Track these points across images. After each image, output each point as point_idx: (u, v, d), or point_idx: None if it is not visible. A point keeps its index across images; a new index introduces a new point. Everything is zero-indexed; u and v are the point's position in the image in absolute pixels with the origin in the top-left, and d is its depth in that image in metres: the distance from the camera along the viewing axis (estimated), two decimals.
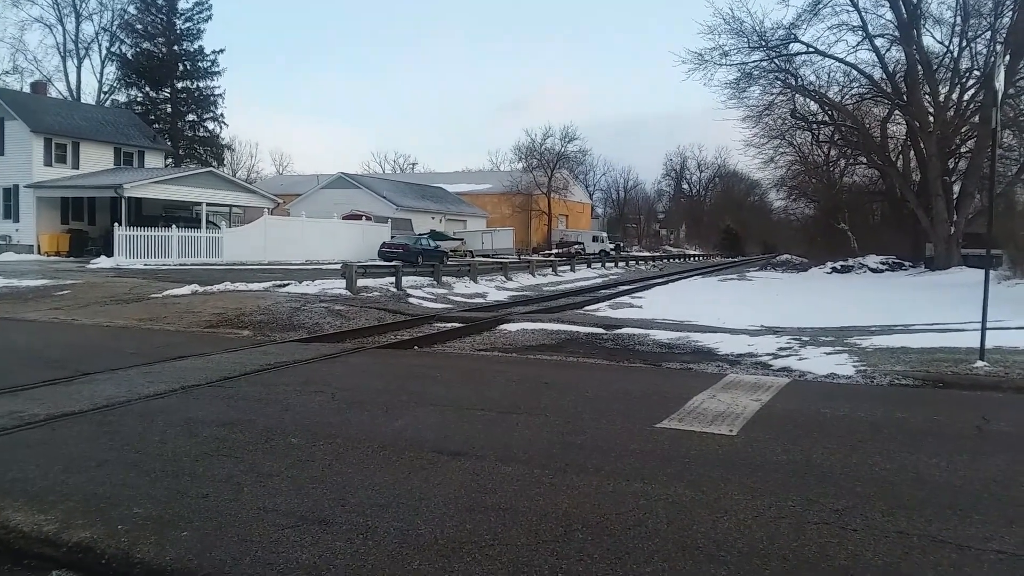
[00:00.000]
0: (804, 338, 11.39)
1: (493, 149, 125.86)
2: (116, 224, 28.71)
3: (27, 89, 44.22)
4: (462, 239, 49.51)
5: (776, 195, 64.92)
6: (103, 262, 26.07)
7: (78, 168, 34.52)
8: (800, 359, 9.60)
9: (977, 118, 32.24)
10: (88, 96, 55.90)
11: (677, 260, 70.94)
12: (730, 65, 35.32)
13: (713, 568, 3.26)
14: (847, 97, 37.70)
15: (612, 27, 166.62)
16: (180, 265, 27.59)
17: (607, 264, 45.18)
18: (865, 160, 42.77)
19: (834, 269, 37.77)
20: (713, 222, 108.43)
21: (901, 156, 40.14)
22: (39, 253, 31.71)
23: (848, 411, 6.36)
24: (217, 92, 57.31)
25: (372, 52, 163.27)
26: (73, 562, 3.36)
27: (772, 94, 38.01)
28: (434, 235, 42.79)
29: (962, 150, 35.68)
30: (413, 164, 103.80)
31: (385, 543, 3.49)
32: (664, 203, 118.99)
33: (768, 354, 10.14)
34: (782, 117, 40.31)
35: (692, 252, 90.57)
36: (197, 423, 5.68)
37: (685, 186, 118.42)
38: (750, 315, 15.88)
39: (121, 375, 7.60)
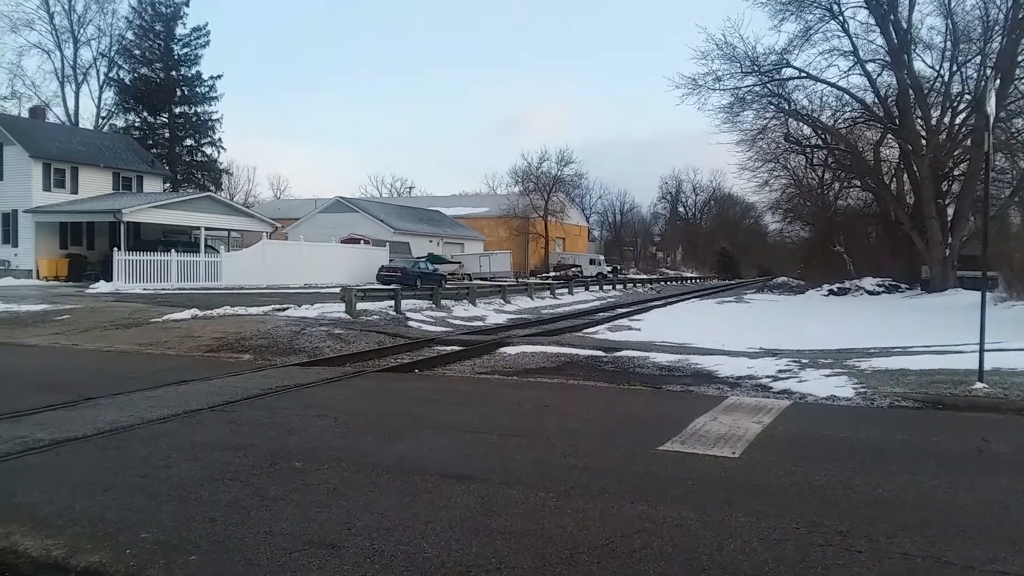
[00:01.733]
0: (803, 360, 11.43)
1: (490, 173, 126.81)
2: (115, 249, 28.76)
3: (25, 114, 44.45)
4: (460, 262, 49.59)
5: (772, 218, 65.27)
6: (102, 287, 26.08)
7: (77, 193, 34.63)
8: (800, 381, 9.63)
9: (969, 141, 32.56)
10: (86, 121, 56.21)
11: (674, 283, 71.12)
12: (723, 90, 35.66)
13: None
14: (840, 121, 38.06)
15: (608, 52, 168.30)
16: (179, 289, 27.60)
17: (605, 287, 45.24)
18: (859, 183, 43.08)
19: (831, 291, 37.85)
20: (709, 245, 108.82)
21: (895, 179, 40.43)
22: (38, 278, 31.71)
23: (849, 433, 6.40)
24: (215, 117, 57.72)
25: (369, 76, 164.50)
26: None
27: (765, 118, 38.36)
28: (432, 258, 42.88)
29: (955, 173, 35.98)
30: (410, 188, 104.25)
31: (393, 567, 3.50)
32: (660, 226, 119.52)
33: (768, 376, 10.16)
34: (776, 141, 40.63)
35: (689, 275, 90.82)
36: (201, 447, 5.69)
37: (681, 209, 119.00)
38: (749, 337, 15.93)
39: (124, 400, 7.61)
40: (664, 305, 32.87)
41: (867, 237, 48.52)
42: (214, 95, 57.26)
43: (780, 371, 10.47)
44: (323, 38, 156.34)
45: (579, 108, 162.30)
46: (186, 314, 16.69)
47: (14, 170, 33.17)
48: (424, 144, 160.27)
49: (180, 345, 12.89)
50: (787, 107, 37.33)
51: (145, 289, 26.48)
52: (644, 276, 73.05)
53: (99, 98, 57.19)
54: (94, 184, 35.64)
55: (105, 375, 9.55)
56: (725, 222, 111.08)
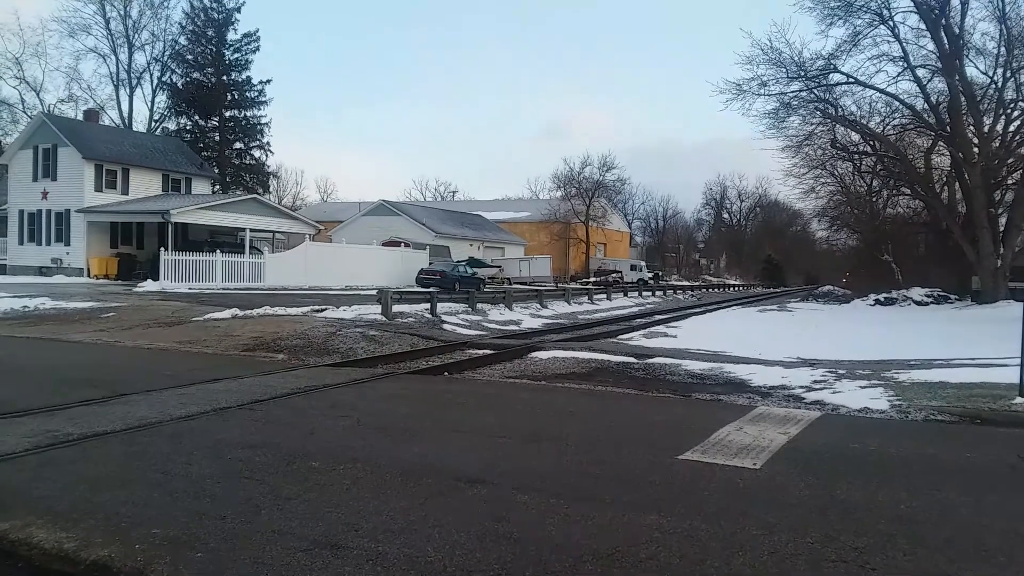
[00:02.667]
0: (840, 371, 11.18)
1: (532, 177, 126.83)
2: (163, 249, 29.48)
3: (81, 117, 45.87)
4: (499, 266, 49.71)
5: (818, 225, 63.94)
6: (149, 285, 26.75)
7: (127, 194, 35.62)
8: (834, 392, 9.41)
9: (1023, 150, 31.53)
10: (139, 124, 57.85)
11: (716, 290, 70.24)
12: (768, 95, 35.11)
13: None
14: (889, 127, 37.17)
15: (650, 55, 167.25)
16: (223, 289, 28.16)
17: (644, 293, 44.92)
18: (908, 191, 42.00)
19: (877, 301, 36.99)
20: (754, 252, 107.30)
21: (946, 187, 39.35)
22: (89, 276, 32.67)
23: (878, 446, 6.22)
24: (264, 121, 58.89)
25: (415, 81, 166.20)
26: None
27: (812, 124, 37.65)
28: (472, 262, 43.06)
29: (1008, 181, 34.87)
30: (453, 192, 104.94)
31: (393, 570, 3.50)
32: (704, 232, 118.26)
33: (802, 387, 9.96)
34: (822, 147, 39.86)
35: (732, 282, 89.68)
36: (224, 445, 5.78)
37: (725, 215, 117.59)
38: (787, 347, 15.63)
39: (156, 397, 7.77)
40: (703, 312, 32.48)
41: (916, 246, 47.32)
42: (263, 99, 58.46)
43: (815, 382, 10.25)
44: (370, 44, 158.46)
45: (623, 114, 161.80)
46: (227, 313, 17.02)
47: (68, 171, 34.26)
48: (468, 149, 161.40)
49: (218, 344, 13.14)
50: (834, 113, 36.61)
51: (190, 289, 27.08)
52: (686, 283, 72.32)
53: (152, 101, 58.87)
54: (144, 185, 36.61)
55: (142, 372, 9.78)
56: (770, 229, 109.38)
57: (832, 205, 49.89)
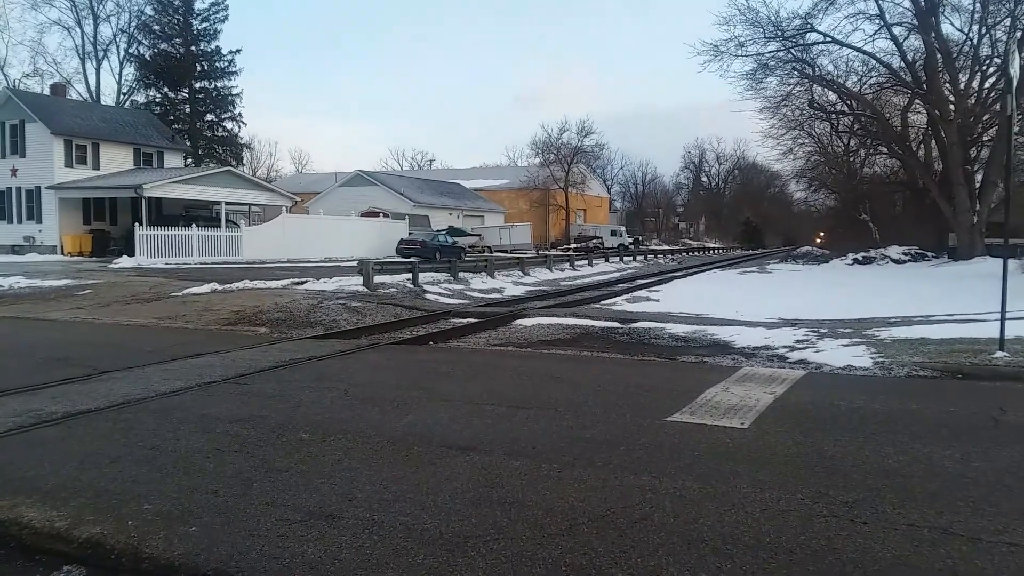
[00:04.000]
0: (822, 330, 11.28)
1: (510, 144, 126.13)
2: (137, 224, 29.03)
3: (47, 91, 44.79)
4: (480, 235, 49.54)
5: (796, 186, 64.49)
6: (125, 262, 26.37)
7: (99, 169, 34.94)
8: (817, 351, 9.51)
9: (998, 106, 31.69)
10: (108, 97, 56.62)
11: (697, 253, 70.56)
12: (746, 56, 35.03)
13: (718, 561, 3.25)
14: (866, 86, 37.29)
15: (627, 19, 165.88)
16: (201, 264, 27.85)
17: (625, 258, 44.96)
18: (886, 150, 42.30)
19: (856, 260, 37.38)
20: (733, 215, 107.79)
21: (922, 145, 39.63)
22: (62, 253, 32.15)
23: (863, 403, 6.30)
24: (235, 92, 57.82)
25: (390, 49, 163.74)
26: (83, 557, 3.40)
27: (789, 84, 37.69)
28: (452, 231, 42.87)
29: (984, 138, 35.16)
30: (430, 161, 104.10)
31: (390, 538, 3.50)
32: (683, 196, 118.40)
33: (785, 347, 10.05)
34: (800, 108, 39.97)
35: (712, 245, 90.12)
36: (211, 420, 5.74)
37: (704, 179, 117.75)
38: (769, 308, 15.76)
39: (138, 373, 7.69)
40: (685, 276, 32.63)
41: (893, 205, 47.78)
42: (233, 70, 57.34)
43: (798, 341, 10.35)
44: (342, 11, 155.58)
45: (601, 79, 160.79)
46: (206, 288, 16.83)
47: (36, 147, 33.51)
48: (445, 117, 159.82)
49: (198, 319, 13.01)
50: (811, 73, 36.61)
51: (167, 264, 26.75)
52: (666, 247, 72.54)
53: (120, 74, 57.56)
54: (115, 160, 35.93)
55: (123, 349, 9.66)
56: (749, 192, 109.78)
57: (810, 166, 50.22)
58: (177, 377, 7.42)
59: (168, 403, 6.33)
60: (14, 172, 33.87)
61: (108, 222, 35.11)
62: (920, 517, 3.71)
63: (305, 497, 4.04)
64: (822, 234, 69.18)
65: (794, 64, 36.33)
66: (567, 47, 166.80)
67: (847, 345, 9.75)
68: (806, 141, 46.18)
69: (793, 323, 12.54)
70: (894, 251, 36.88)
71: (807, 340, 10.39)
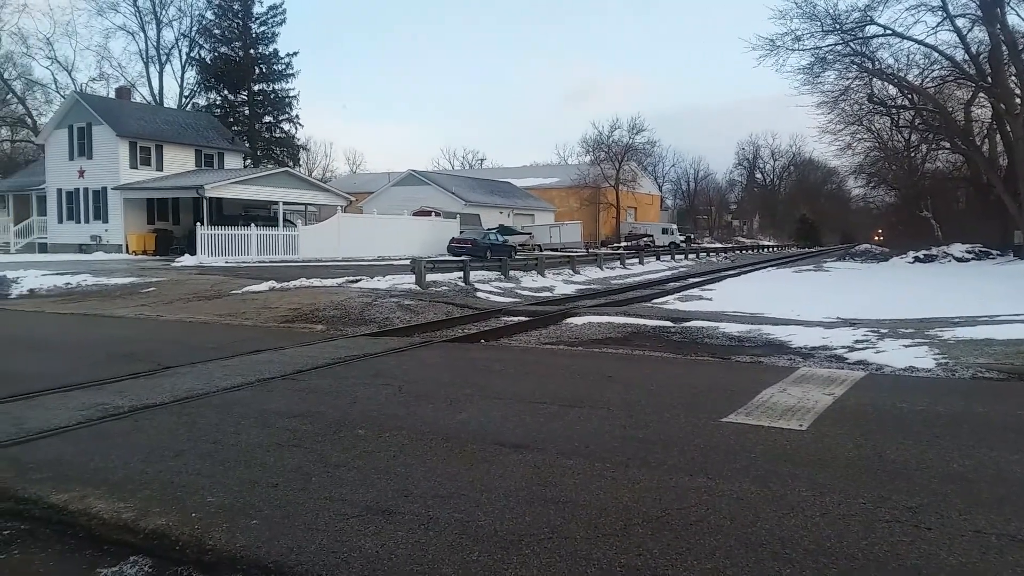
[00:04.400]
0: (882, 330, 10.99)
1: (560, 143, 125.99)
2: (198, 223, 29.84)
3: (112, 95, 46.34)
4: (530, 233, 49.53)
5: (854, 183, 62.65)
6: (187, 260, 27.12)
7: (162, 170, 36.00)
8: (877, 352, 9.27)
9: None
10: (170, 100, 58.34)
11: (750, 251, 69.34)
12: (803, 50, 34.18)
13: (777, 565, 3.20)
14: (928, 80, 36.04)
15: (679, 15, 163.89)
16: (259, 262, 28.48)
17: (677, 256, 44.45)
18: (948, 145, 40.87)
19: (916, 259, 36.24)
20: (788, 212, 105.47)
21: (987, 140, 38.19)
22: (127, 252, 33.22)
23: (926, 405, 6.12)
24: (292, 94, 58.84)
25: (443, 49, 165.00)
26: (149, 548, 3.52)
27: (848, 79, 36.64)
28: (502, 230, 42.95)
29: None
30: (482, 160, 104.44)
31: (446, 534, 3.54)
32: (736, 193, 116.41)
33: (843, 347, 9.82)
34: (859, 102, 38.84)
35: (766, 243, 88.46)
36: (270, 415, 5.87)
37: (758, 175, 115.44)
38: (826, 307, 15.40)
39: (201, 368, 7.91)
40: (738, 274, 32.10)
41: (956, 201, 46.17)
42: (291, 72, 58.34)
43: (857, 341, 10.10)
44: (395, 13, 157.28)
45: (653, 76, 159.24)
46: (264, 286, 17.22)
47: (103, 149, 34.70)
48: (496, 116, 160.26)
49: (257, 316, 13.31)
50: (871, 66, 35.56)
51: (227, 262, 27.42)
52: (719, 245, 71.41)
53: (181, 77, 59.35)
54: (178, 161, 36.97)
55: (185, 345, 9.94)
56: (805, 188, 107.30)
57: (869, 161, 48.82)
58: (238, 373, 7.61)
59: (229, 398, 6.50)
60: (82, 173, 35.14)
61: (171, 222, 36.15)
62: (987, 523, 3.60)
63: (362, 492, 4.11)
64: (880, 231, 67.33)
65: (853, 58, 35.35)
66: (618, 44, 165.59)
67: (909, 346, 9.48)
68: (865, 136, 44.93)
69: (852, 323, 12.24)
70: (957, 249, 35.64)
71: (867, 340, 10.14)
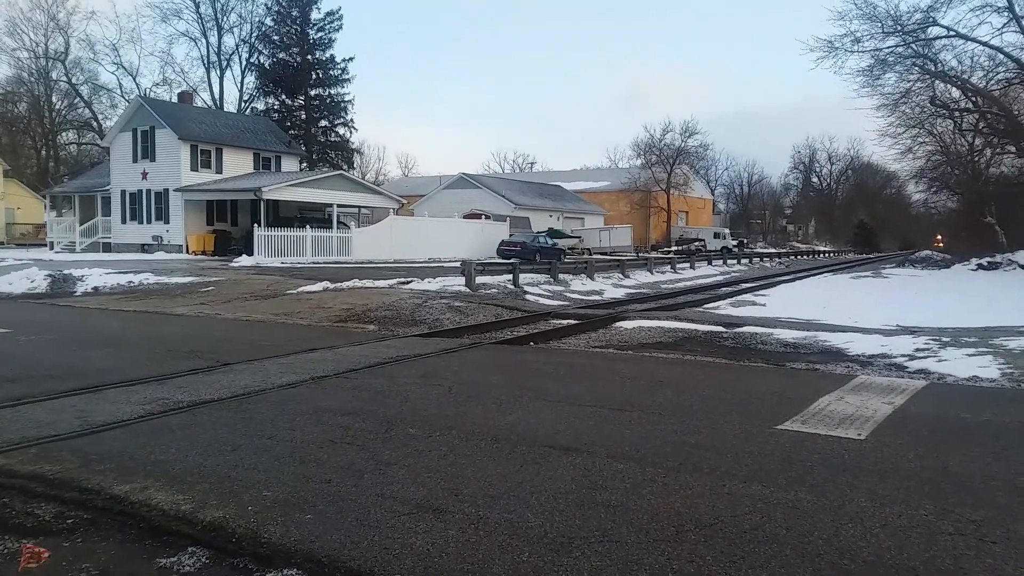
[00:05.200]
0: (944, 339, 10.65)
1: (611, 146, 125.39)
2: (256, 225, 30.52)
3: (175, 99, 47.73)
4: (579, 237, 49.39)
5: (915, 187, 60.87)
6: (244, 260, 27.76)
7: (221, 172, 36.93)
8: (939, 361, 8.99)
9: None
10: (230, 104, 59.88)
11: (805, 257, 67.95)
12: (862, 52, 33.48)
13: None
14: (992, 82, 34.89)
15: (734, 17, 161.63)
16: (313, 263, 28.99)
17: (729, 261, 43.82)
18: (1014, 149, 39.44)
19: (979, 266, 35.05)
20: (845, 217, 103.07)
21: None
22: (187, 252, 34.16)
23: (991, 416, 5.91)
24: (347, 98, 59.83)
25: (494, 53, 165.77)
26: (207, 540, 3.60)
27: (909, 81, 35.73)
28: (552, 233, 42.92)
29: None
30: (532, 163, 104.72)
31: (496, 534, 3.54)
32: (791, 197, 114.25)
33: (903, 355, 9.55)
34: (920, 105, 37.82)
35: (822, 248, 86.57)
36: (324, 412, 5.97)
37: (814, 179, 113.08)
38: (885, 314, 15.02)
39: (257, 366, 8.08)
40: (793, 280, 31.50)
41: (1022, 207, 44.49)
42: (346, 77, 59.33)
43: (917, 350, 9.81)
44: (447, 17, 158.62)
45: (705, 79, 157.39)
46: (318, 287, 17.53)
47: (165, 152, 35.76)
48: (547, 120, 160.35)
49: (312, 315, 13.55)
50: (933, 68, 34.63)
51: (283, 263, 27.97)
52: (773, 250, 70.21)
53: (241, 82, 60.78)
54: (237, 164, 37.88)
55: (242, 343, 10.17)
56: (863, 192, 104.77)
57: (931, 166, 47.42)
58: (292, 371, 7.75)
59: (284, 395, 6.63)
60: (145, 175, 36.26)
61: (229, 223, 37.04)
62: None
63: (413, 490, 4.14)
64: (941, 238, 65.31)
65: (914, 59, 34.47)
66: (671, 47, 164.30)
67: (972, 355, 9.17)
68: (926, 140, 43.66)
69: (912, 330, 11.90)
70: (1022, 256, 34.37)
71: (928, 349, 9.84)
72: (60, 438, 5.14)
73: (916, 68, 34.91)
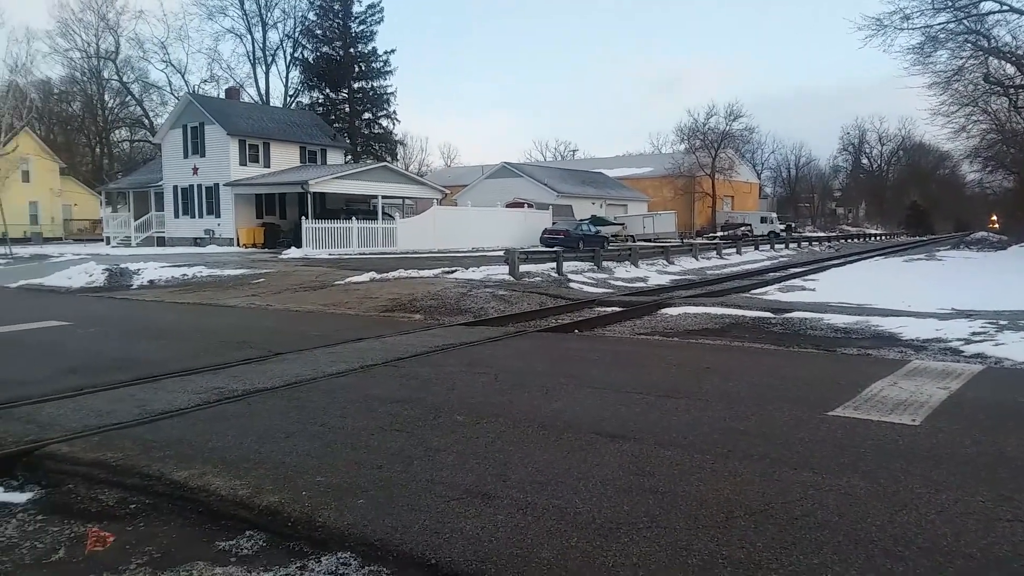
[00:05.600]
0: (1001, 322, 10.35)
1: (654, 132, 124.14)
2: (303, 217, 31.00)
3: (222, 95, 48.62)
4: (623, 224, 49.00)
5: (969, 167, 59.07)
6: (293, 253, 28.23)
7: (269, 167, 37.54)
8: (996, 344, 8.75)
9: None
10: (275, 99, 60.76)
11: (856, 240, 66.43)
12: (912, 29, 32.35)
13: (888, 563, 3.08)
14: None
15: None
16: (360, 254, 29.35)
17: (776, 246, 43.05)
18: None
19: None
20: (897, 198, 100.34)
21: None
22: (238, 245, 34.86)
23: None
24: (389, 91, 60.19)
25: (534, 42, 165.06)
26: (263, 524, 3.72)
27: (961, 58, 34.45)
28: (595, 220, 42.69)
29: None
30: (574, 151, 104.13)
31: (544, 519, 3.58)
32: (840, 180, 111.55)
33: (959, 339, 9.31)
34: (974, 82, 36.46)
35: (873, 231, 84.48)
36: (373, 400, 6.07)
37: (864, 161, 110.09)
38: (939, 298, 14.63)
39: (308, 355, 8.24)
40: (843, 264, 30.86)
41: None
42: (388, 69, 59.65)
43: (973, 334, 9.56)
44: (486, 7, 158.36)
45: (749, 60, 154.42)
46: (365, 277, 17.76)
47: (214, 147, 36.48)
48: (588, 107, 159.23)
49: (359, 305, 13.74)
50: (986, 44, 33.35)
51: (330, 254, 28.39)
52: (821, 234, 68.71)
53: (286, 77, 61.71)
54: (284, 158, 38.46)
55: (293, 333, 10.37)
56: (915, 173, 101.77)
57: (985, 144, 45.83)
58: (342, 360, 7.89)
59: (335, 383, 6.76)
60: (195, 171, 37.06)
61: (278, 216, 37.67)
62: None
63: (462, 476, 4.20)
64: (996, 218, 63.26)
65: (966, 36, 33.23)
66: (713, 29, 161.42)
67: None
68: (981, 118, 42.12)
69: (968, 314, 11.58)
70: None
71: (984, 332, 9.58)
72: (121, 426, 5.32)
73: (968, 44, 33.69)
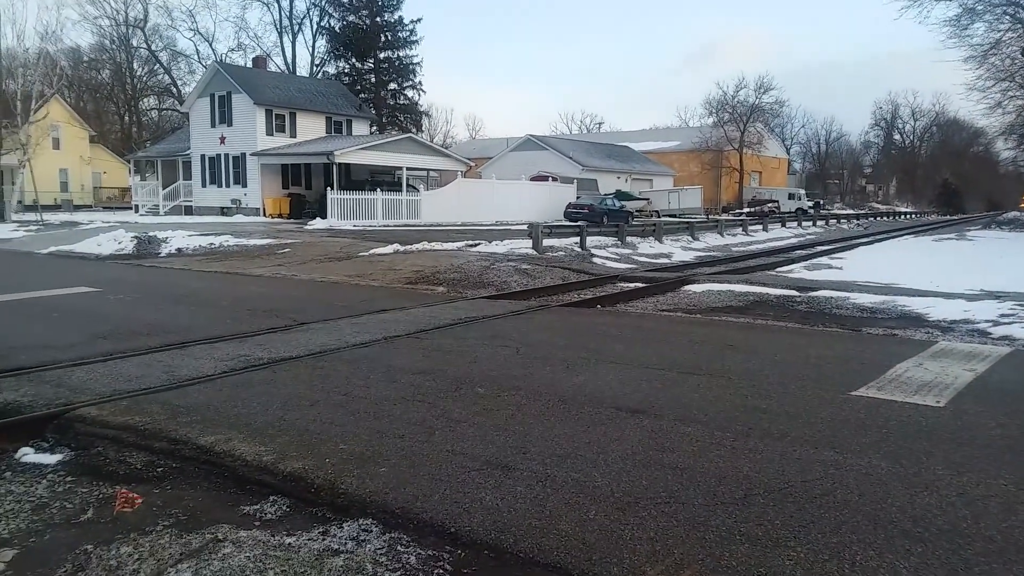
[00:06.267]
0: None
1: (681, 105, 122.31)
2: (328, 188, 31.10)
3: (249, 64, 48.66)
4: (648, 199, 48.62)
5: (1004, 145, 57.70)
6: (318, 223, 28.37)
7: (295, 137, 37.63)
8: None
9: None
10: (302, 69, 60.74)
11: (885, 218, 65.37)
12: (949, 0, 31.58)
13: (908, 544, 3.08)
14: None
15: None
16: (384, 226, 29.43)
17: (804, 223, 42.52)
18: None
19: None
20: (929, 176, 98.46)
21: None
22: (264, 215, 35.10)
23: None
24: (415, 61, 59.77)
25: (559, 12, 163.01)
26: (287, 490, 3.79)
27: (999, 31, 33.59)
28: (619, 195, 42.38)
29: None
30: (599, 124, 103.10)
31: (563, 492, 3.62)
32: (871, 156, 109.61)
33: (987, 321, 9.18)
34: (1011, 56, 35.52)
35: (903, 210, 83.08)
36: (396, 370, 6.13)
37: (896, 136, 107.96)
38: (969, 278, 14.41)
39: (332, 325, 8.33)
40: (871, 242, 30.44)
41: None
42: (414, 39, 59.16)
43: (1002, 315, 9.42)
44: None
45: (780, 31, 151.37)
46: (389, 249, 17.84)
47: (241, 117, 36.60)
48: (614, 79, 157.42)
49: (383, 277, 13.83)
50: None
51: (355, 225, 28.49)
52: (851, 211, 67.76)
53: (312, 46, 61.68)
54: (310, 128, 38.51)
55: (318, 303, 10.47)
56: (948, 151, 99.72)
57: (1021, 121, 44.68)
58: (366, 330, 7.96)
59: (358, 353, 6.83)
60: (223, 140, 37.26)
61: (303, 186, 37.82)
62: None
63: (482, 447, 4.25)
64: None
65: (1004, 8, 32.39)
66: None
67: None
68: (1017, 94, 41.05)
69: (997, 295, 11.40)
70: None
71: (1013, 314, 9.44)
72: (149, 391, 5.44)
73: (1007, 17, 32.83)
